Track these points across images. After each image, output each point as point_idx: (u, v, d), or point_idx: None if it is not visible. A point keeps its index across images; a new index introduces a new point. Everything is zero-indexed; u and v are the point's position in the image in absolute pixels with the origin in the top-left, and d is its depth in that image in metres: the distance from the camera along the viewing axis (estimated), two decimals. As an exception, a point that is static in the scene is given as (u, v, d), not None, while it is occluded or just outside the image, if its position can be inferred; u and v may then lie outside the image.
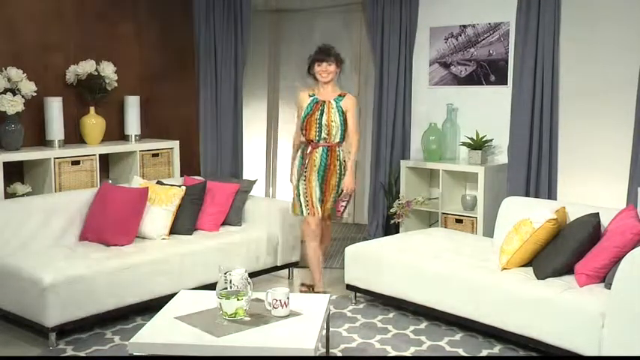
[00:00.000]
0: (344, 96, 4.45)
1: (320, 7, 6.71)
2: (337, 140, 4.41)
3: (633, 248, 3.14)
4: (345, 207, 4.55)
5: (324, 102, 4.41)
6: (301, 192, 4.41)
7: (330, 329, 3.51)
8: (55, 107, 4.75)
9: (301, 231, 4.65)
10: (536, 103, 4.99)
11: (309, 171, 4.39)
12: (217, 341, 2.79)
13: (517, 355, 3.51)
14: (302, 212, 4.42)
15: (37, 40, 4.82)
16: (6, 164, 4.41)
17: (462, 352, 3.58)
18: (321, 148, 4.39)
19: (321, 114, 4.38)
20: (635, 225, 3.34)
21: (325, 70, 4.42)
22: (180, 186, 4.63)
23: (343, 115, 4.39)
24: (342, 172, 4.42)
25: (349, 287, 4.34)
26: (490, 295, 3.59)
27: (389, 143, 5.86)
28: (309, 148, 4.42)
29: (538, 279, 3.54)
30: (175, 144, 5.41)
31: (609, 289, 3.19)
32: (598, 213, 3.64)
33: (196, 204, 4.63)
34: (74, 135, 5.01)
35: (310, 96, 4.47)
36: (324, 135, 4.38)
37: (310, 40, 6.28)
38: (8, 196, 4.43)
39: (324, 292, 4.29)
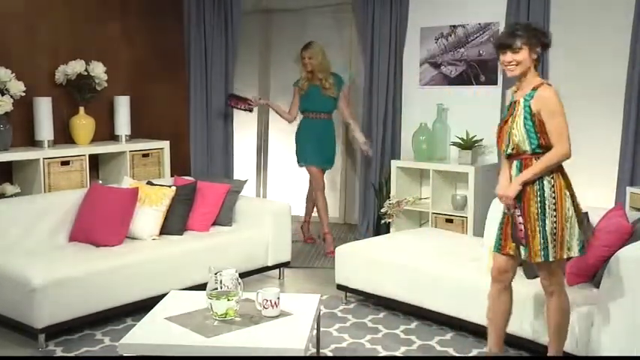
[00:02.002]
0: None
1: (310, 7, 6.71)
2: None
3: (621, 247, 3.16)
4: None
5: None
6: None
7: (321, 329, 3.51)
8: (44, 107, 4.73)
9: None
10: (526, 103, 5.01)
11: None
12: (208, 342, 2.79)
13: (507, 355, 3.52)
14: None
15: (26, 39, 4.79)
16: (-5, 165, 4.40)
17: (452, 352, 3.59)
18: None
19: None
20: (624, 224, 3.36)
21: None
22: (170, 186, 4.63)
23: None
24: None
25: (340, 287, 4.35)
26: (480, 295, 3.58)
27: (379, 143, 5.86)
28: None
29: (527, 278, 3.55)
30: (166, 144, 5.40)
31: (598, 288, 3.21)
32: (587, 212, 3.65)
33: (187, 204, 4.62)
34: (64, 135, 4.98)
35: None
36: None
37: (300, 40, 6.27)
38: (-3, 196, 4.41)
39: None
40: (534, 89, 2.98)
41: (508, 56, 3.01)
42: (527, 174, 2.97)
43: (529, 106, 2.96)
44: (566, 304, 3.06)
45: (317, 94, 5.59)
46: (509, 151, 3.05)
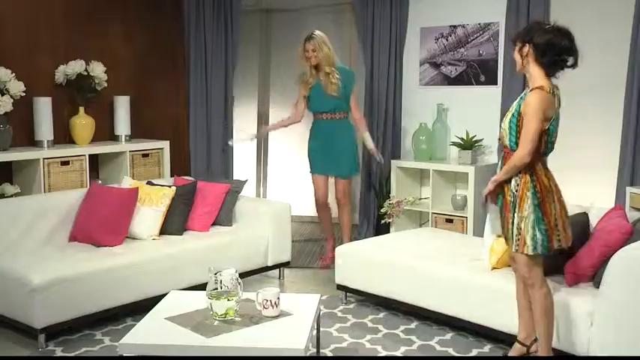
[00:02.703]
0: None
1: (310, 6, 6.71)
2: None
3: (621, 247, 3.16)
4: None
5: None
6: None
7: (321, 329, 3.51)
8: (44, 107, 4.73)
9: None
10: (526, 103, 5.02)
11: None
12: (208, 342, 2.79)
13: (507, 355, 3.52)
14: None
15: (26, 39, 4.79)
16: (-5, 165, 4.40)
17: (452, 352, 3.59)
18: None
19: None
20: (624, 224, 3.36)
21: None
22: (170, 186, 4.62)
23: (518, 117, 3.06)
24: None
25: (340, 287, 4.34)
26: (480, 295, 3.60)
27: (379, 143, 5.86)
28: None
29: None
30: (165, 144, 5.40)
31: (598, 288, 3.21)
32: (587, 212, 3.67)
33: (187, 204, 4.62)
34: (63, 135, 4.98)
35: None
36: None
37: (300, 40, 6.27)
38: (-3, 196, 4.41)
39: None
40: (532, 90, 3.02)
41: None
42: (497, 176, 3.12)
43: (520, 105, 3.04)
44: (549, 297, 3.12)
45: (319, 92, 5.06)
46: (499, 142, 3.22)
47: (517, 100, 3.13)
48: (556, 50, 2.99)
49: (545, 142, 3.03)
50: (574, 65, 3.04)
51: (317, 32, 5.05)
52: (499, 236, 3.37)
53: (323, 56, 5.00)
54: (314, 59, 5.01)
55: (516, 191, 3.05)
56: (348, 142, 5.14)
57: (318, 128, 5.16)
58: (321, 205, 5.27)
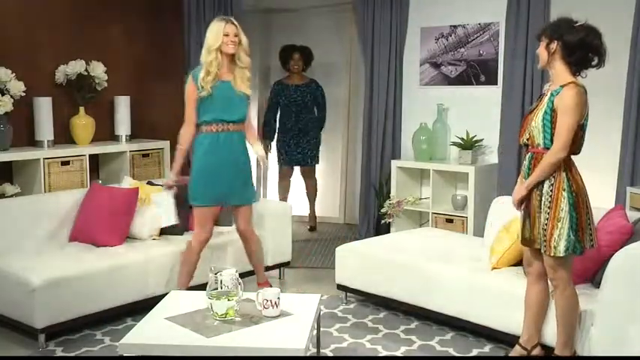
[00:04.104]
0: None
1: (310, 6, 6.71)
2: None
3: (622, 247, 3.16)
4: None
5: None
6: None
7: (321, 329, 3.51)
8: (44, 107, 4.74)
9: None
10: (526, 103, 5.01)
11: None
12: (208, 342, 2.78)
13: (508, 355, 3.52)
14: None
15: (27, 39, 4.79)
16: (-5, 165, 4.40)
17: (452, 352, 3.59)
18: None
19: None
20: (624, 224, 3.36)
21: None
22: (170, 186, 4.61)
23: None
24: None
25: (340, 287, 4.34)
26: (480, 295, 3.60)
27: (379, 143, 5.86)
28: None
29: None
30: (166, 144, 5.40)
31: (598, 288, 3.21)
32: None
33: (187, 204, 4.60)
34: (64, 135, 4.99)
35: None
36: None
37: (300, 40, 6.28)
38: (-3, 196, 4.41)
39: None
40: (562, 86, 2.99)
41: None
42: (531, 179, 3.03)
43: (552, 102, 2.99)
44: (571, 299, 3.09)
45: (225, 95, 3.90)
46: (525, 140, 3.11)
47: (546, 96, 3.05)
48: (586, 49, 2.98)
49: (581, 138, 3.01)
50: (599, 65, 3.02)
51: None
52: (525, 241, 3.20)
53: (245, 44, 3.93)
54: (233, 47, 3.86)
55: (551, 191, 2.98)
56: (248, 160, 4.09)
57: (215, 143, 3.93)
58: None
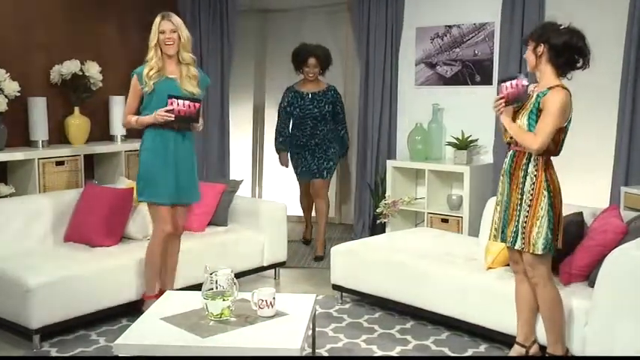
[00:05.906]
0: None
1: (306, 6, 6.71)
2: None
3: (616, 247, 3.17)
4: None
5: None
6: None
7: (317, 329, 3.51)
8: (39, 107, 4.72)
9: None
10: (521, 104, 5.03)
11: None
12: (203, 342, 2.78)
13: (503, 355, 3.53)
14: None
15: (21, 39, 4.78)
16: (-11, 165, 4.39)
17: (447, 352, 3.59)
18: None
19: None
20: (618, 224, 3.37)
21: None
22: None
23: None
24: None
25: (335, 287, 4.35)
26: (475, 295, 3.61)
27: (375, 143, 5.87)
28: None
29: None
30: (161, 144, 5.38)
31: (592, 287, 3.21)
32: (582, 212, 3.68)
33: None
34: (58, 135, 4.98)
35: None
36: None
37: (296, 40, 6.27)
38: (-8, 197, 4.40)
39: None
40: (549, 88, 3.05)
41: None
42: (508, 123, 3.13)
43: (539, 103, 3.05)
44: (553, 295, 3.14)
45: (172, 90, 3.78)
46: (508, 139, 3.20)
47: (532, 97, 3.11)
48: (571, 51, 3.05)
49: (562, 141, 3.08)
50: (584, 66, 3.10)
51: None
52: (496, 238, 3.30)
53: (185, 41, 3.82)
54: (170, 47, 3.77)
55: (532, 189, 3.05)
56: (193, 160, 4.01)
57: (163, 142, 3.85)
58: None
